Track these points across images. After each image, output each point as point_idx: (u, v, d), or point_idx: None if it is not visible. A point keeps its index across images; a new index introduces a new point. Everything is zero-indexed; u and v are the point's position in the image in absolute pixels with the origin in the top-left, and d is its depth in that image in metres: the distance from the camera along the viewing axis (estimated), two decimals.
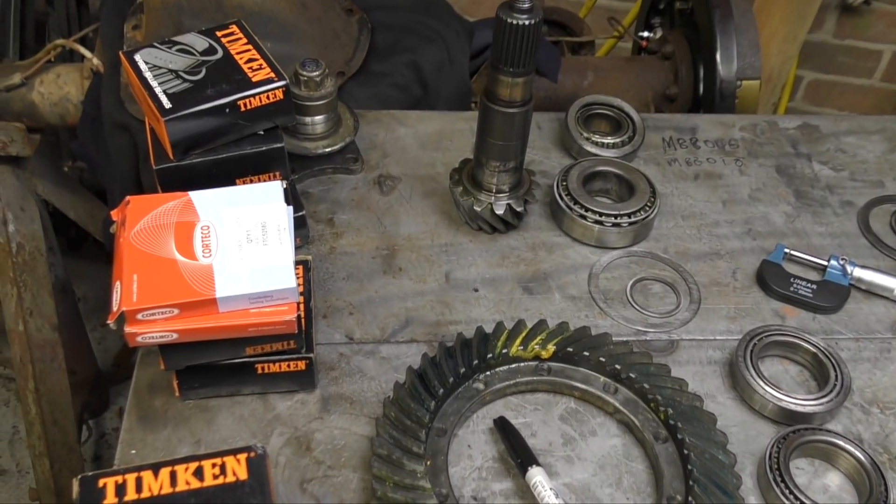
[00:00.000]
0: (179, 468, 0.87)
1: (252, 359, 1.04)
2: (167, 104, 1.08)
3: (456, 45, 1.67)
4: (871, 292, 1.30)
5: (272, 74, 1.12)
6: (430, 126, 1.52)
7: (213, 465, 0.87)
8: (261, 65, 1.14)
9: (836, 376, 1.13)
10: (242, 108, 1.10)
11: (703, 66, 1.87)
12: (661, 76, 1.93)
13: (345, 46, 1.62)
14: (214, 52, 1.16)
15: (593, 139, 1.46)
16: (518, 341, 1.12)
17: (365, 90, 1.60)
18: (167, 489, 0.85)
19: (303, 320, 1.05)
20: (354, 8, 1.70)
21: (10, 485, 2.21)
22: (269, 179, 1.15)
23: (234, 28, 1.19)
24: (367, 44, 1.64)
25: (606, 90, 1.77)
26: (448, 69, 1.66)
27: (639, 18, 2.37)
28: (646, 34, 2.25)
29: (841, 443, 1.07)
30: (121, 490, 0.84)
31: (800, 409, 1.10)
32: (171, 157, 1.10)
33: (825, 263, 1.30)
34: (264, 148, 1.13)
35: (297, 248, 1.25)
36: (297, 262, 1.12)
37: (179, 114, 1.08)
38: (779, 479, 1.02)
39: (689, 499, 0.98)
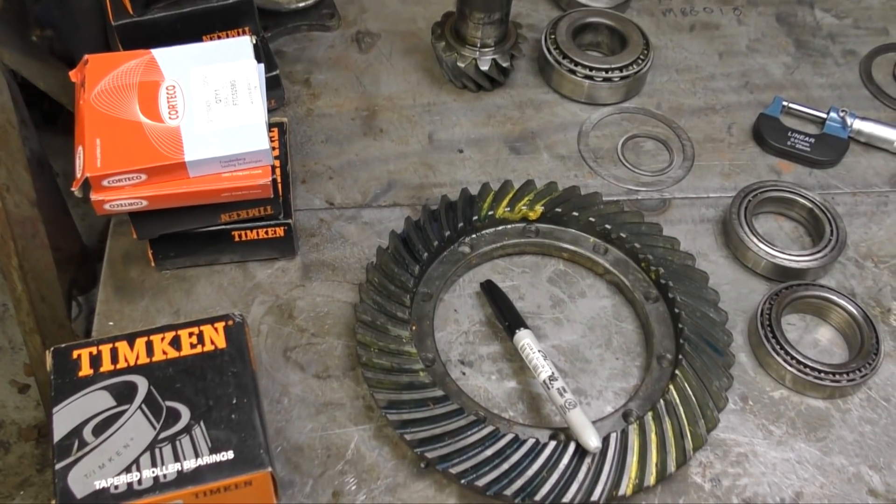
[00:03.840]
0: (155, 338, 0.85)
1: (228, 226, 1.01)
2: None
3: None
4: (871, 145, 1.25)
5: None
6: None
7: (191, 335, 0.85)
8: None
9: (832, 231, 1.10)
10: None
11: None
12: None
13: None
14: None
15: None
16: (504, 203, 1.08)
17: None
18: (143, 359, 0.83)
19: (279, 185, 1.01)
20: None
21: (5, 361, 2.22)
22: (238, 35, 1.08)
23: None
24: None
25: None
26: None
27: None
28: None
29: (833, 297, 1.05)
30: (95, 361, 0.82)
31: (793, 265, 1.08)
32: (131, 11, 1.02)
33: (824, 116, 1.25)
34: (231, 0, 1.06)
35: (271, 110, 1.20)
36: (272, 125, 1.07)
37: None
38: (769, 335, 1.01)
39: (680, 357, 0.97)
